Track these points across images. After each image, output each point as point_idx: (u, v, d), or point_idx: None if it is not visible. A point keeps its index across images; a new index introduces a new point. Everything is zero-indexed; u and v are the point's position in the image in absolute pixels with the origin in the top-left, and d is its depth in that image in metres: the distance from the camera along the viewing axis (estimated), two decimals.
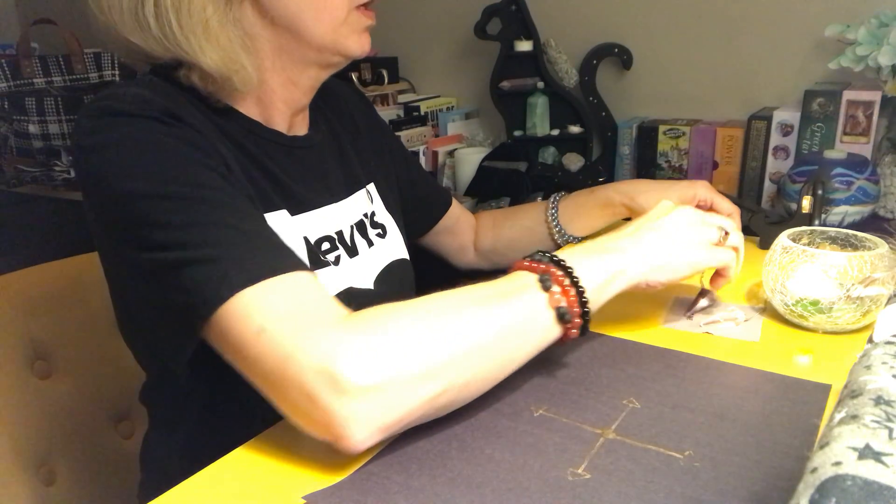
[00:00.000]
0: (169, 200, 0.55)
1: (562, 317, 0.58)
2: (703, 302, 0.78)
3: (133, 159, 0.57)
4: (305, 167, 0.74)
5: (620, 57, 1.63)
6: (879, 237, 0.71)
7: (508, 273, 0.61)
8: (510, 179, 1.50)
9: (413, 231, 0.97)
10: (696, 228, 0.69)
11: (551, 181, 1.48)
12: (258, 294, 0.52)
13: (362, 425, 0.49)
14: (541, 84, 1.68)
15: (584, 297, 0.59)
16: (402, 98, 1.91)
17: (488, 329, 0.55)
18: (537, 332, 0.58)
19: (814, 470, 0.31)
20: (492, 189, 1.52)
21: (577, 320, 0.59)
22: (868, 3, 1.36)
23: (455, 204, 1.04)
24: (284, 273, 0.54)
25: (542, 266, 0.59)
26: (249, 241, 0.56)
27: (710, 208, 0.91)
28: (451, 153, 1.73)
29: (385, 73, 1.95)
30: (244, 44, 0.65)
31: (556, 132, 1.71)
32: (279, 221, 0.68)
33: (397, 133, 1.62)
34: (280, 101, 0.72)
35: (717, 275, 0.74)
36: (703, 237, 0.69)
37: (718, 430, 0.55)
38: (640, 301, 0.81)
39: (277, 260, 0.55)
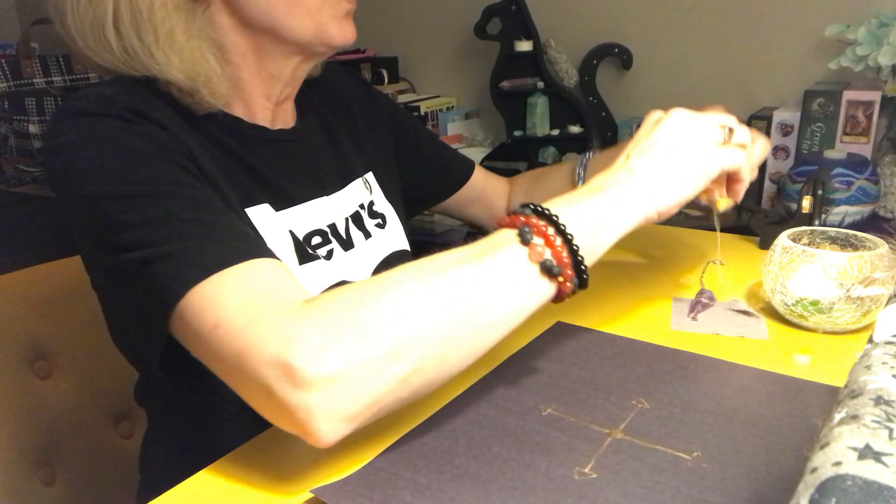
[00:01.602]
0: (127, 200, 0.54)
1: (548, 270, 0.52)
2: (703, 301, 0.78)
3: (91, 160, 0.56)
4: (292, 160, 0.73)
5: (620, 57, 1.63)
6: (879, 237, 0.71)
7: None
8: None
9: (434, 200, 0.96)
10: (696, 132, 0.63)
11: None
12: (212, 288, 0.51)
13: (326, 418, 0.47)
14: (541, 84, 1.68)
15: (574, 245, 0.53)
16: (402, 98, 1.91)
17: (460, 295, 0.50)
18: (521, 291, 0.53)
19: (814, 470, 0.31)
20: None
21: (569, 272, 0.53)
22: (868, 3, 1.36)
23: (480, 172, 0.99)
24: (240, 262, 0.52)
25: (523, 218, 0.54)
26: (206, 232, 0.54)
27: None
28: None
29: (385, 73, 1.95)
30: (216, 52, 0.65)
31: (556, 132, 1.71)
32: (262, 216, 0.67)
33: None
34: (260, 95, 0.71)
35: (732, 180, 0.68)
36: (706, 139, 0.64)
37: (728, 432, 0.54)
38: (645, 302, 0.81)
39: (232, 250, 0.53)
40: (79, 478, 0.90)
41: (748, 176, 0.67)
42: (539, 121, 1.69)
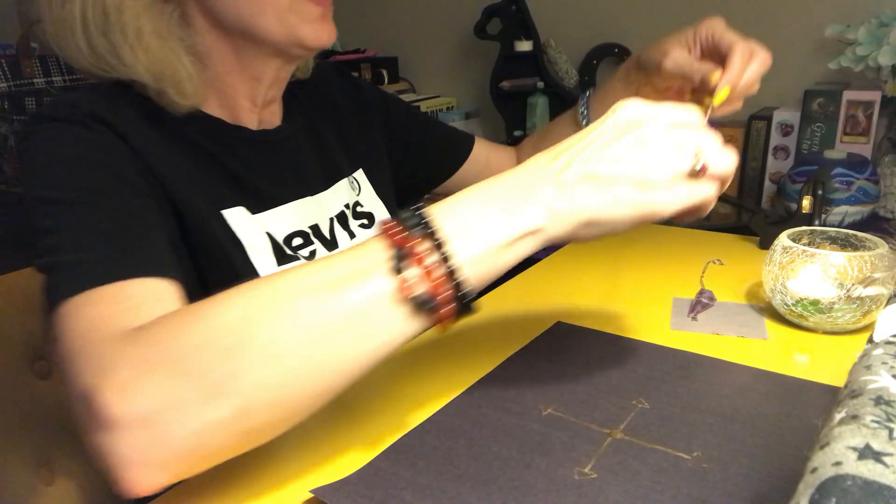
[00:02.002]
0: (51, 205, 0.54)
1: (422, 306, 0.44)
2: (703, 301, 0.78)
3: (44, 164, 0.57)
4: (274, 161, 0.73)
5: (620, 57, 1.63)
6: (879, 237, 0.71)
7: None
8: None
9: (439, 180, 0.94)
10: (653, 152, 0.47)
11: None
12: (75, 306, 0.48)
13: (133, 464, 0.42)
14: (541, 84, 1.68)
15: (457, 278, 0.44)
16: (402, 98, 1.92)
17: (304, 332, 0.43)
18: (382, 332, 0.45)
19: (814, 470, 0.31)
20: None
21: (449, 307, 0.45)
22: (868, 3, 1.36)
23: (482, 144, 0.96)
24: (117, 281, 0.49)
25: (400, 236, 0.45)
26: (103, 246, 0.52)
27: (711, 49, 0.76)
28: None
29: (385, 73, 1.95)
30: (191, 54, 0.64)
31: None
32: (238, 218, 0.67)
33: None
34: (244, 98, 0.70)
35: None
36: (664, 168, 0.47)
37: (728, 432, 0.54)
38: (645, 302, 0.81)
39: (118, 267, 0.50)
40: (79, 478, 0.90)
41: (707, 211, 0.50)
42: (539, 121, 1.69)
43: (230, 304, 0.45)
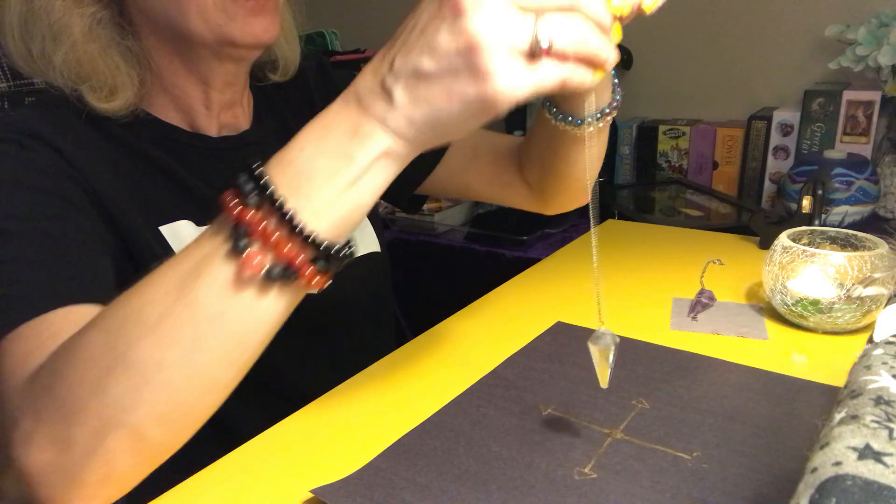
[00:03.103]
0: None
1: (280, 278, 0.41)
2: (703, 301, 0.78)
3: None
4: (230, 168, 0.68)
5: (620, 57, 1.64)
6: (879, 237, 0.71)
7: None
8: None
9: (423, 173, 0.83)
10: (482, 32, 0.37)
11: None
12: (8, 343, 0.49)
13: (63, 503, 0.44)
14: None
15: (309, 236, 0.40)
16: None
17: (166, 345, 0.41)
18: (247, 319, 0.42)
19: (814, 470, 0.31)
20: None
21: (310, 267, 0.41)
22: (868, 3, 1.36)
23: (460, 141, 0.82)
24: (44, 313, 0.49)
25: (238, 206, 0.41)
26: (33, 275, 0.51)
27: None
28: None
29: None
30: (131, 57, 0.62)
31: None
32: (178, 234, 0.64)
33: None
34: (197, 102, 0.67)
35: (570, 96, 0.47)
36: (496, 50, 0.37)
37: (727, 432, 0.54)
38: (645, 302, 0.81)
39: (44, 300, 0.50)
40: None
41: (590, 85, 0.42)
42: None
43: (93, 332, 0.44)
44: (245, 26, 0.60)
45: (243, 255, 0.40)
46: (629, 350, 0.69)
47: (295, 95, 0.79)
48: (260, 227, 0.40)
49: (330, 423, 0.59)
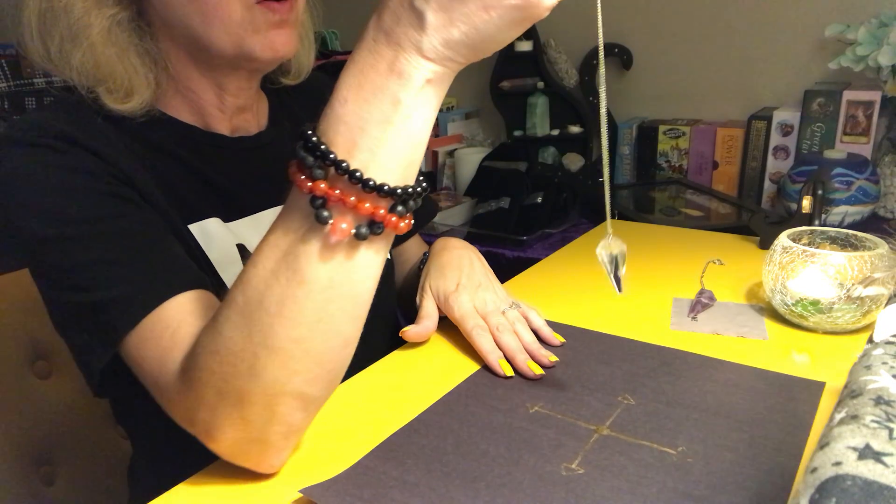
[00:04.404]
0: (61, 243, 0.55)
1: (369, 233, 0.43)
2: (703, 301, 0.78)
3: (26, 195, 0.56)
4: (251, 169, 0.70)
5: (620, 57, 1.63)
6: (879, 237, 0.71)
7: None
8: (510, 179, 1.50)
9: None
10: None
11: (551, 181, 1.48)
12: (131, 347, 0.53)
13: (259, 467, 0.51)
14: (541, 84, 1.68)
15: (383, 187, 0.42)
16: None
17: (299, 322, 0.45)
18: (356, 278, 0.45)
19: (814, 470, 0.31)
20: (492, 189, 1.52)
21: (395, 212, 0.44)
22: (868, 3, 1.36)
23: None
24: (158, 305, 0.53)
25: (306, 179, 0.42)
26: (132, 275, 0.54)
27: None
28: (451, 153, 1.73)
29: None
30: (148, 58, 0.62)
31: (556, 132, 1.71)
32: (209, 231, 0.65)
33: None
34: (212, 106, 0.68)
35: None
36: None
37: (712, 427, 0.55)
38: (645, 302, 0.81)
39: (152, 294, 0.53)
40: (79, 478, 0.90)
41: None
42: (539, 121, 1.69)
43: (226, 329, 0.47)
44: (265, 40, 0.61)
45: (329, 226, 0.43)
46: (615, 347, 0.69)
47: (308, 100, 0.81)
48: (335, 195, 0.42)
49: (319, 423, 0.59)
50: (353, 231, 0.43)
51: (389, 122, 0.42)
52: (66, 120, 0.59)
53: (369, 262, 0.45)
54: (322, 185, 0.42)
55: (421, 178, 0.45)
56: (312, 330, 0.45)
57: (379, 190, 0.42)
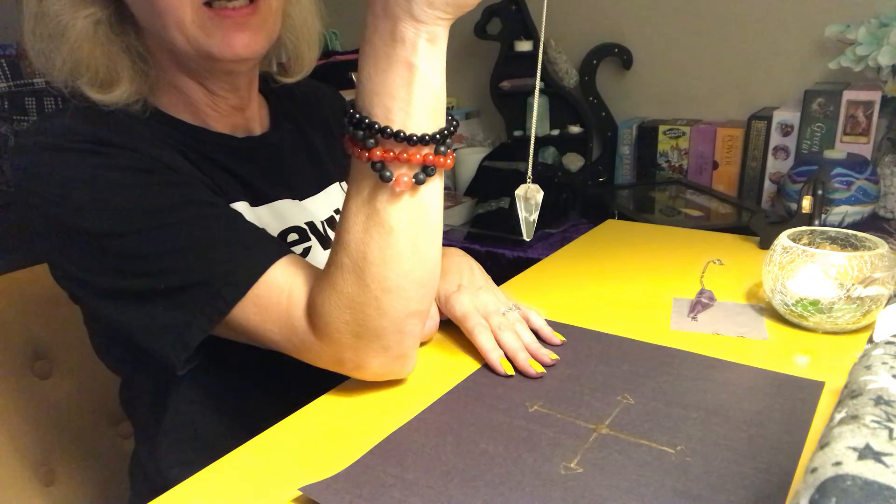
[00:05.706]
0: (135, 235, 0.56)
1: (425, 176, 0.53)
2: (703, 301, 0.78)
3: (81, 196, 0.56)
4: (261, 164, 0.72)
5: (620, 57, 1.63)
6: (879, 237, 0.71)
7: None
8: (510, 179, 1.50)
9: None
10: None
11: (551, 181, 1.48)
12: (253, 306, 0.58)
13: (406, 371, 0.62)
14: (541, 84, 1.68)
15: (424, 135, 0.51)
16: None
17: (391, 273, 0.55)
18: (428, 212, 0.55)
19: (814, 470, 0.31)
20: (492, 189, 1.52)
21: (439, 152, 0.53)
22: (868, 3, 1.36)
23: None
24: (262, 272, 0.58)
25: (362, 150, 0.52)
26: (227, 248, 0.58)
27: None
28: None
29: None
30: (134, 54, 0.64)
31: (556, 132, 1.71)
32: (244, 212, 0.67)
33: None
34: (205, 105, 0.69)
35: None
36: None
37: (711, 426, 0.55)
38: (645, 302, 0.81)
39: (253, 260, 0.58)
40: (79, 478, 0.90)
41: None
42: (539, 121, 1.69)
43: (341, 283, 0.55)
44: (223, 42, 0.61)
45: (393, 181, 0.52)
46: (614, 347, 0.69)
47: (307, 104, 0.83)
48: (389, 156, 0.51)
49: (318, 422, 0.59)
50: (413, 179, 0.52)
51: (410, 83, 0.50)
52: (89, 124, 0.60)
53: (433, 195, 0.55)
54: (378, 152, 0.51)
55: (450, 116, 0.54)
56: (412, 262, 0.55)
57: (421, 140, 0.51)
